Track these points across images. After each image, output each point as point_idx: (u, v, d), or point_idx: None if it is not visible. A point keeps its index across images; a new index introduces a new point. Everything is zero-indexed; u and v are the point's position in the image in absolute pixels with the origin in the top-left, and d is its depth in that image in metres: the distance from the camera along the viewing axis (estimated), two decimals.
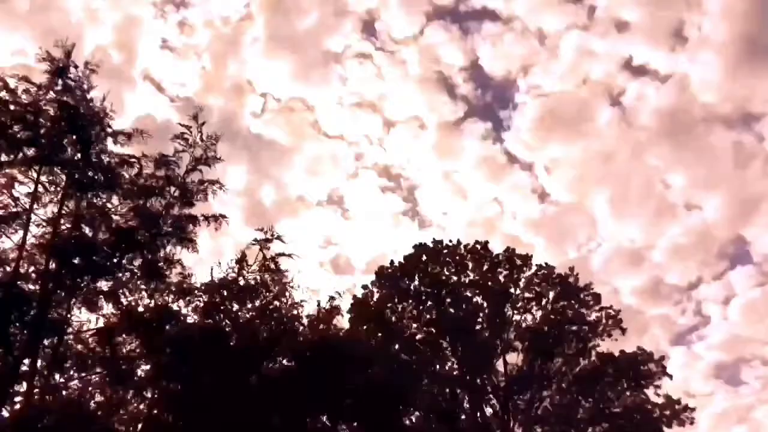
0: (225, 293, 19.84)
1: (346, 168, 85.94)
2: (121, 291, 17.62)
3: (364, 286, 36.45)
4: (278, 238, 19.99)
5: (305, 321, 21.89)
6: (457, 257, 37.17)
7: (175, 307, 19.17)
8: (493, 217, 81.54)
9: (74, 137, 15.81)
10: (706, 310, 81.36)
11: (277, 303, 20.80)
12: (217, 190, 17.98)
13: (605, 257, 78.00)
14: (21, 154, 15.56)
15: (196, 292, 19.16)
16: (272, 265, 20.02)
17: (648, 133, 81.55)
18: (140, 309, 18.43)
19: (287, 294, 20.77)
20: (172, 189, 17.42)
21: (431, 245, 37.40)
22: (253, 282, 20.04)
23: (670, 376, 35.93)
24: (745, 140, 78.50)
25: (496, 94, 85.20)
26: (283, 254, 20.28)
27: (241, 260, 20.03)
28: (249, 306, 20.51)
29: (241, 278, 20.00)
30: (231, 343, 20.41)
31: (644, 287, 79.46)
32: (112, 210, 16.74)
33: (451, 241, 37.82)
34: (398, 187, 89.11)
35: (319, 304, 22.28)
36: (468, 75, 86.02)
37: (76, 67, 15.98)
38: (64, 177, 16.16)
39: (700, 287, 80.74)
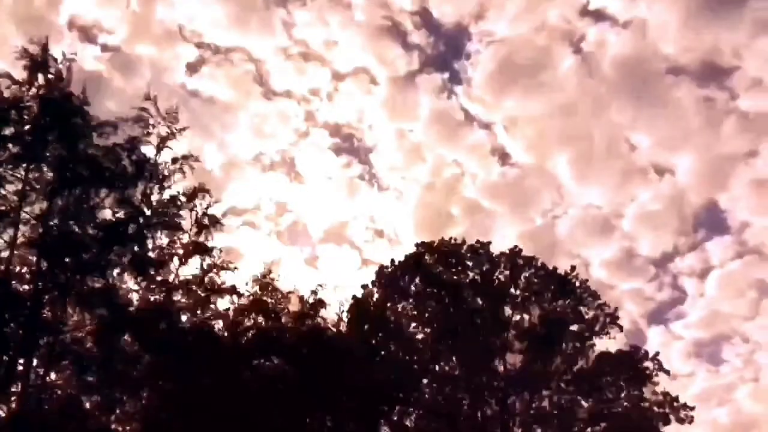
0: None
1: (296, 127, 77.01)
2: (113, 289, 17.64)
3: (364, 286, 36.57)
4: (202, 189, 19.56)
5: (290, 315, 21.97)
6: (457, 257, 37.14)
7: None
8: (452, 180, 75.26)
9: (59, 132, 15.90)
10: (683, 285, 76.84)
11: (264, 297, 20.90)
12: (193, 165, 18.06)
13: (572, 224, 72.03)
14: (7, 152, 15.70)
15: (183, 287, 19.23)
16: (206, 221, 19.63)
17: (609, 85, 75.53)
18: (132, 308, 18.51)
19: (271, 288, 20.86)
20: (147, 173, 17.38)
21: (431, 245, 37.41)
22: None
23: (668, 372, 35.79)
24: (714, 96, 72.74)
25: (450, 42, 76.62)
26: (210, 205, 19.93)
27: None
28: (236, 301, 20.63)
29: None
30: (222, 340, 20.52)
31: (615, 259, 72.62)
32: (99, 203, 16.77)
33: (452, 240, 37.93)
34: (352, 147, 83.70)
35: (302, 299, 22.27)
36: (419, 21, 75.24)
37: (55, 60, 16.16)
38: (51, 174, 16.26)
39: (675, 260, 76.97)
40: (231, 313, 20.74)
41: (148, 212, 17.31)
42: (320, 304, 22.42)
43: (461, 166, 79.11)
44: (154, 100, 17.94)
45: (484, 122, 78.59)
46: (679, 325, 67.38)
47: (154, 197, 17.54)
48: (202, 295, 19.72)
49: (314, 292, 22.37)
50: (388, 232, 76.70)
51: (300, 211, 79.25)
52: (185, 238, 19.51)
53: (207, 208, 19.64)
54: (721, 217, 75.34)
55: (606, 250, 75.15)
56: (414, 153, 78.34)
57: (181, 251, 19.54)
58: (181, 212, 17.87)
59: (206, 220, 19.62)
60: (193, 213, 19.53)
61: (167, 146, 17.78)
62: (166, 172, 17.68)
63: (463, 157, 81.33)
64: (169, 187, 17.75)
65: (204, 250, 19.71)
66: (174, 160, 17.80)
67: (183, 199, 18.07)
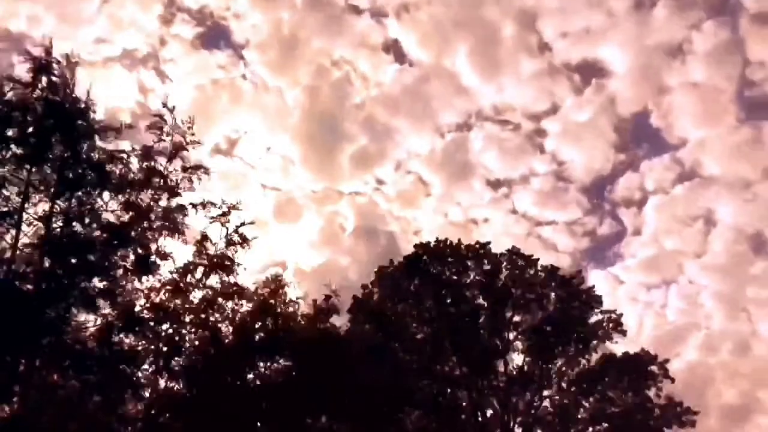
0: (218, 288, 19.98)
1: (156, 12, 69.19)
2: (117, 290, 17.70)
3: (365, 286, 36.66)
4: (235, 207, 19.82)
5: (301, 320, 22.10)
6: (459, 257, 37.24)
7: (170, 305, 19.36)
8: (340, 82, 69.08)
9: (62, 134, 15.98)
10: (621, 217, 72.40)
11: (272, 301, 20.98)
12: (202, 176, 18.21)
13: (485, 140, 67.82)
14: (10, 153, 15.71)
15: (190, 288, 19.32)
16: (237, 238, 19.94)
17: None
18: (137, 308, 18.58)
19: (282, 292, 20.96)
20: (157, 180, 17.59)
21: (432, 245, 37.54)
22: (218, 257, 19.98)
23: (672, 380, 35.78)
24: None
25: None
26: (244, 223, 20.09)
27: (203, 240, 20.01)
28: (244, 304, 20.72)
29: (205, 258, 19.94)
30: (227, 342, 20.60)
31: (542, 187, 68.16)
32: (103, 207, 16.91)
33: (451, 241, 38.00)
34: (224, 40, 76.60)
35: (315, 303, 22.45)
36: None
37: (58, 62, 16.11)
38: (54, 175, 16.31)
39: (610, 186, 71.09)
40: (237, 315, 20.81)
41: (153, 218, 17.45)
42: (333, 309, 22.61)
43: (350, 65, 72.49)
44: (171, 109, 18.15)
45: (370, 8, 70.81)
46: (620, 268, 66.34)
47: (162, 203, 17.72)
48: (208, 295, 19.89)
49: (328, 297, 22.53)
50: (277, 149, 72.14)
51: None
52: (212, 250, 19.88)
53: (239, 227, 19.92)
54: (656, 129, 71.70)
55: (531, 176, 68.75)
56: (292, 49, 69.60)
57: (206, 263, 19.85)
58: (186, 220, 18.01)
59: (236, 238, 19.88)
60: (224, 228, 19.87)
61: (179, 156, 17.94)
62: (174, 181, 17.80)
63: (350, 53, 74.01)
64: (179, 194, 17.91)
65: (227, 266, 19.96)
66: (184, 169, 17.96)
67: (190, 207, 18.22)
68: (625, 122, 66.60)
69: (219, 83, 69.33)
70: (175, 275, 19.12)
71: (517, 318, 36.52)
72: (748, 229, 69.17)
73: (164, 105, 18.13)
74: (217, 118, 70.84)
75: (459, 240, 38.06)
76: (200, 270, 19.81)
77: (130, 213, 17.01)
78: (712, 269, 63.41)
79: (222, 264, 19.84)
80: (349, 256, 63.37)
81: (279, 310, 21.44)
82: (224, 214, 19.75)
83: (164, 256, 17.94)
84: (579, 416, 35.25)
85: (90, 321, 17.95)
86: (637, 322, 59.40)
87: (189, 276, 19.42)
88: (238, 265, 20.03)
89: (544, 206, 69.88)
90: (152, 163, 17.45)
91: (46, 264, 16.38)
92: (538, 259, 37.35)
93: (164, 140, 17.82)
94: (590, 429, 35.22)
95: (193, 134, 18.14)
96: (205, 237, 19.93)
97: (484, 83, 74.40)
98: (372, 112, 68.97)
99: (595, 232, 63.77)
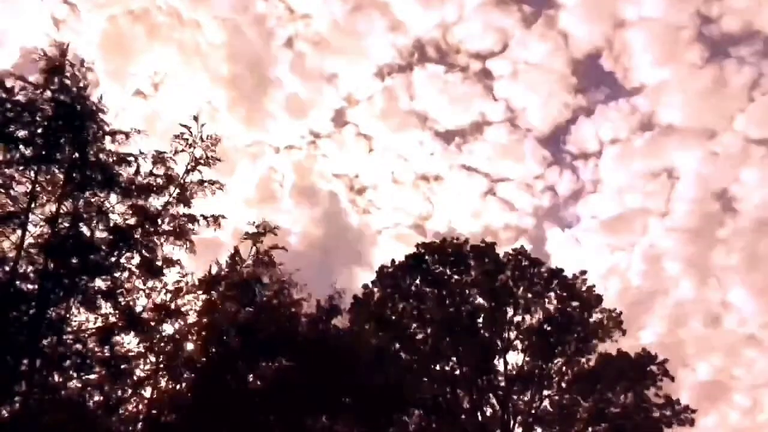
0: (222, 291, 19.89)
1: None
2: (119, 290, 17.57)
3: (365, 286, 36.65)
4: (272, 231, 20.03)
5: (304, 320, 21.99)
6: (461, 256, 37.20)
7: (173, 306, 19.23)
8: (263, 16, 63.21)
9: (71, 136, 15.87)
10: (580, 172, 67.42)
11: (275, 302, 20.87)
12: (216, 190, 18.06)
13: (430, 83, 60.77)
14: (18, 154, 15.60)
15: (194, 291, 19.19)
16: (266, 259, 20.10)
17: None
18: (139, 308, 18.45)
19: (286, 293, 20.85)
20: (172, 188, 17.48)
21: (432, 245, 37.50)
22: (246, 275, 20.04)
23: (672, 378, 35.87)
24: None
25: None
26: (276, 247, 20.43)
27: (235, 255, 20.10)
28: (247, 305, 20.62)
29: (235, 274, 20.04)
30: (230, 342, 20.50)
31: (497, 139, 63.18)
32: (110, 208, 16.80)
33: (454, 239, 37.98)
34: None
35: (319, 303, 22.35)
36: None
37: (72, 65, 16.04)
38: (62, 176, 16.20)
39: (565, 137, 66.38)
40: (240, 316, 20.72)
41: (161, 223, 17.31)
42: (336, 310, 22.51)
43: None
44: (199, 123, 18.02)
45: None
46: (580, 230, 63.66)
47: (173, 210, 17.57)
48: (212, 297, 19.80)
49: (331, 297, 22.45)
50: (199, 93, 65.37)
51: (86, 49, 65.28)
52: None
53: (270, 248, 20.27)
54: (613, 77, 67.14)
55: (485, 125, 63.96)
56: None
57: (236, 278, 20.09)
58: (195, 230, 17.91)
59: (266, 258, 20.20)
60: (255, 247, 20.19)
61: (198, 169, 17.81)
62: (189, 191, 17.66)
63: None
64: (191, 206, 17.82)
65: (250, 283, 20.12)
66: (200, 182, 17.83)
67: (201, 218, 18.09)
68: (579, 63, 63.19)
69: (134, 14, 63.31)
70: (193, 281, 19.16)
71: (517, 318, 36.61)
72: (713, 185, 66.03)
73: (194, 118, 17.96)
74: (135, 56, 65.76)
75: (467, 239, 38.05)
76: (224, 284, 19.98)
77: (137, 216, 16.84)
78: (675, 231, 59.77)
79: (247, 282, 20.08)
80: (289, 216, 60.72)
81: (282, 310, 21.36)
82: (259, 234, 20.07)
83: (170, 261, 17.77)
84: (579, 416, 35.37)
85: (91, 321, 17.89)
86: (601, 289, 56.42)
87: (213, 288, 19.47)
88: (265, 289, 20.43)
89: (499, 160, 66.89)
90: (169, 171, 17.28)
91: (50, 265, 16.24)
92: (543, 263, 37.50)
93: (186, 151, 17.69)
94: (590, 429, 35.33)
95: (215, 150, 18.06)
96: (237, 252, 20.27)
97: (423, 15, 67.85)
98: (301, 51, 63.76)
99: (554, 189, 60.36)
